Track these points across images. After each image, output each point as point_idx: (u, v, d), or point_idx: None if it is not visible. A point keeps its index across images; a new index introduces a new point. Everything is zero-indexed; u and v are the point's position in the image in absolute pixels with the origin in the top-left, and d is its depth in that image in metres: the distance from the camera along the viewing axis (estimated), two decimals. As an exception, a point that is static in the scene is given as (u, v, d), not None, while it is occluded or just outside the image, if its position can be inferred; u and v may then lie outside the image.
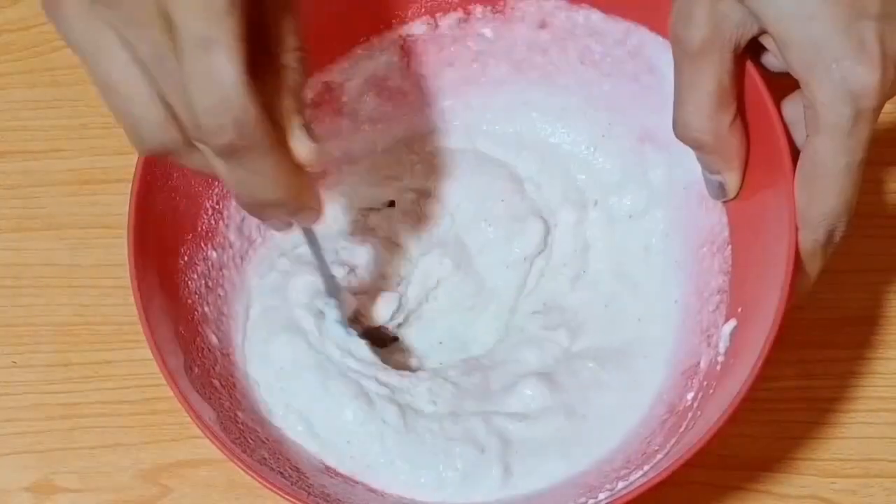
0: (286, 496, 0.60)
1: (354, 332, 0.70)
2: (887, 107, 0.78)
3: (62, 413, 0.74)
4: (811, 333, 0.74)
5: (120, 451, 0.74)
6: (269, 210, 0.56)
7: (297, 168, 0.54)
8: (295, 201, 0.55)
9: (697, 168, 0.66)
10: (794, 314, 0.61)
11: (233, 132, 0.50)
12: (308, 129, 0.55)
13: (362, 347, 0.70)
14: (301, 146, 0.54)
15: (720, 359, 0.65)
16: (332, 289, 0.70)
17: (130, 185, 0.65)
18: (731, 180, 0.64)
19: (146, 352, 0.63)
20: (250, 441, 0.65)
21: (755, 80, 0.62)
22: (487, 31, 0.74)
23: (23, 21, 0.83)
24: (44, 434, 0.74)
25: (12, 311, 0.77)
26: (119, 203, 0.67)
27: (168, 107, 0.51)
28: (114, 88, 0.51)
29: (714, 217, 0.69)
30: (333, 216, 0.74)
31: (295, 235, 0.70)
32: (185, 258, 0.69)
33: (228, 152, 0.51)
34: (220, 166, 0.52)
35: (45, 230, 0.79)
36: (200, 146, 0.52)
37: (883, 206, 0.77)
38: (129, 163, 0.67)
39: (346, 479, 0.67)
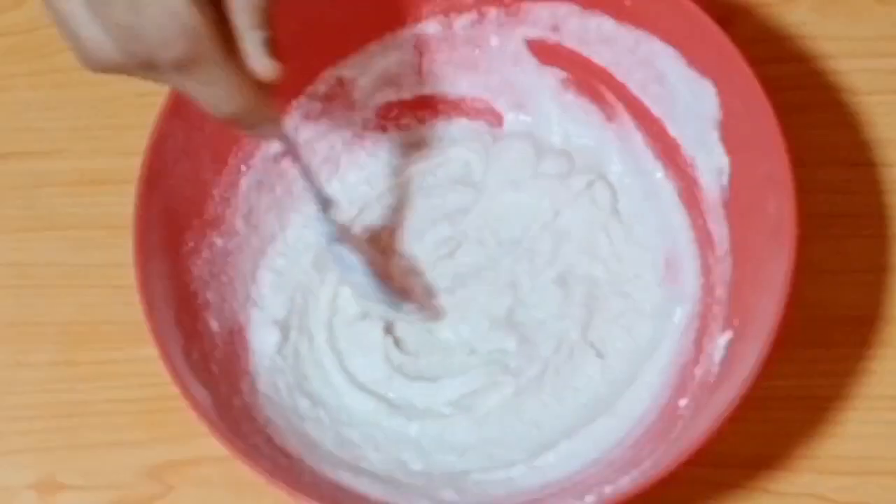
0: (276, 482, 0.60)
1: (350, 250, 0.70)
2: (883, 108, 0.79)
3: (66, 412, 0.75)
4: (810, 332, 0.74)
5: (123, 449, 0.74)
6: (231, 122, 0.57)
7: (253, 82, 0.55)
8: (252, 114, 0.56)
9: (705, 179, 0.67)
10: (793, 314, 0.61)
11: (182, 44, 0.52)
12: (269, 44, 0.55)
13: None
14: (256, 61, 0.55)
15: (715, 370, 0.66)
16: (322, 202, 0.70)
17: (134, 184, 0.66)
18: None
19: (150, 350, 0.63)
20: (245, 428, 0.66)
21: (757, 89, 0.64)
22: (497, 36, 0.74)
23: (27, 23, 0.83)
24: (48, 432, 0.74)
25: (16, 311, 0.77)
26: (122, 203, 0.67)
27: (112, 28, 0.52)
28: (58, 13, 0.53)
29: (717, 227, 0.69)
30: None
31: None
32: (191, 244, 0.70)
33: (180, 66, 0.53)
34: (174, 81, 0.54)
35: (48, 230, 0.79)
36: (156, 63, 0.53)
37: (883, 206, 0.77)
38: (133, 163, 0.67)
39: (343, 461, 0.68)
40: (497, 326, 0.73)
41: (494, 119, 0.78)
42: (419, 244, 0.76)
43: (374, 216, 0.77)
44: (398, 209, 0.77)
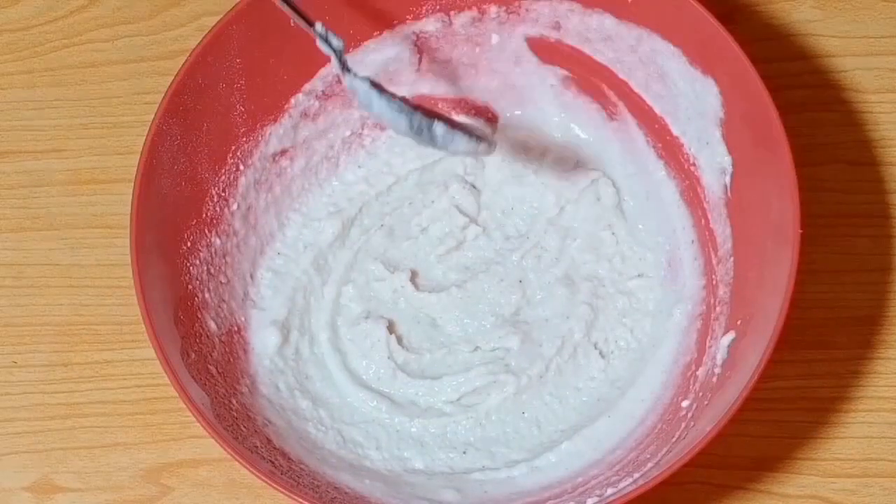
0: (275, 484, 0.60)
1: (361, 78, 0.64)
2: (886, 107, 0.79)
3: (62, 413, 0.74)
4: (811, 333, 0.74)
5: (120, 450, 0.74)
6: None
7: None
8: None
9: (707, 178, 0.67)
10: (796, 314, 0.61)
11: None
12: None
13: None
14: None
15: (717, 370, 0.66)
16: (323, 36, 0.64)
17: (131, 184, 0.65)
18: None
19: (146, 351, 0.63)
20: (243, 429, 0.65)
21: (759, 88, 0.63)
22: (497, 34, 0.74)
23: (24, 21, 0.83)
24: (44, 434, 0.74)
25: (13, 311, 0.77)
26: (119, 203, 0.67)
27: None
28: None
29: (719, 227, 0.69)
30: None
31: None
32: (188, 244, 0.69)
33: None
34: None
35: (45, 230, 0.79)
36: None
37: (883, 206, 0.77)
38: (129, 163, 0.67)
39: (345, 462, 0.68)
40: (501, 324, 0.72)
41: (494, 117, 0.78)
42: (424, 238, 0.75)
43: (373, 215, 0.76)
44: (398, 207, 0.76)
